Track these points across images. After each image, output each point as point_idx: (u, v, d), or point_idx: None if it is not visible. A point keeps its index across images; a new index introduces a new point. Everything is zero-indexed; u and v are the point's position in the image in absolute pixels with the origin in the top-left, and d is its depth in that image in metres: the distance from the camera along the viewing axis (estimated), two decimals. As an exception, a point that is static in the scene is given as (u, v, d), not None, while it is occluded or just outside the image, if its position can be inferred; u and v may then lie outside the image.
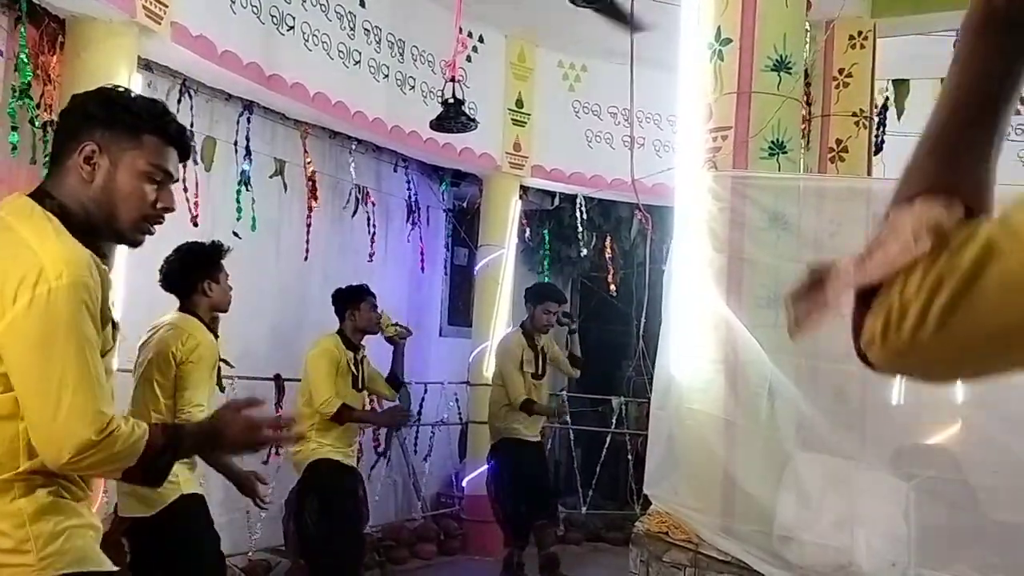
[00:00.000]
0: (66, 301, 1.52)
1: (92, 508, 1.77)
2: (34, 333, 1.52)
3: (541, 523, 5.64)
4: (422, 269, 7.01)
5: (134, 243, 1.77)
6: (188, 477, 3.27)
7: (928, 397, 3.62)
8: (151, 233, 1.79)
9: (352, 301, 4.73)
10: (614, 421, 7.15)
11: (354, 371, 4.65)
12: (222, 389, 3.89)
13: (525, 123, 6.92)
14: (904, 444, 3.68)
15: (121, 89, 1.79)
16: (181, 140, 1.77)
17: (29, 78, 3.92)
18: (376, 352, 5.01)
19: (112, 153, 1.68)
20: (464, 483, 6.75)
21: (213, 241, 3.76)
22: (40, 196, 1.67)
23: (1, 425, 1.55)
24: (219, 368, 3.67)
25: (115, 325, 1.73)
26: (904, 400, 3.61)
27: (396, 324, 4.94)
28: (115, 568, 1.72)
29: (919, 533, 3.25)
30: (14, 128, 3.87)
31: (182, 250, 3.69)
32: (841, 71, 4.49)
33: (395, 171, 6.75)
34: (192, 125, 4.76)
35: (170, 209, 1.77)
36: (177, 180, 1.81)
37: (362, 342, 4.79)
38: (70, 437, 1.50)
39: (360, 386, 4.72)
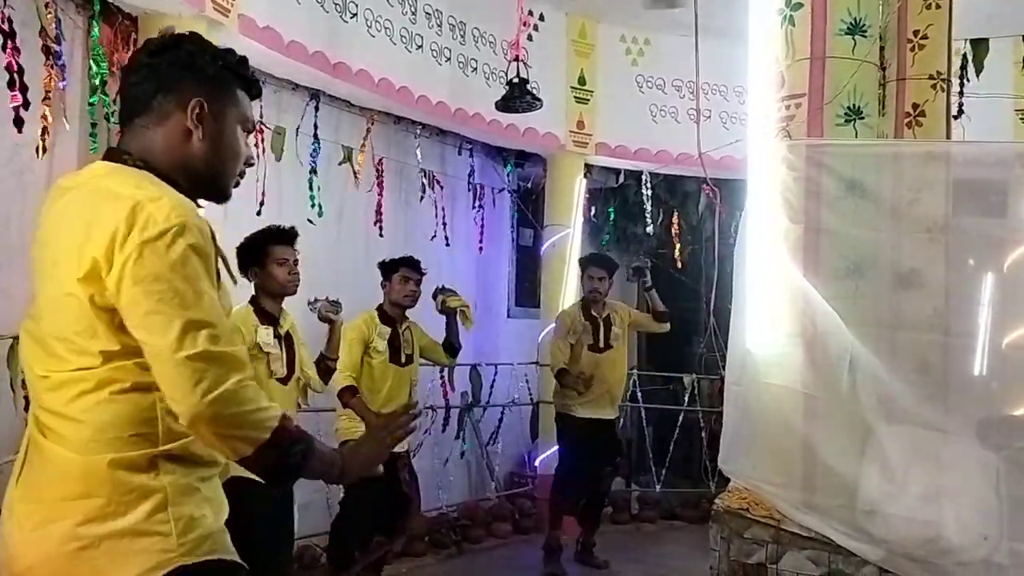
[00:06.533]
0: (178, 243, 1.43)
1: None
2: (149, 275, 1.41)
3: (586, 506, 5.69)
4: (480, 250, 7.02)
5: (228, 198, 1.71)
6: None
7: (1013, 367, 3.51)
8: (237, 185, 1.74)
9: (386, 273, 4.66)
10: (686, 398, 7.10)
11: (390, 347, 4.54)
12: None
13: (588, 100, 6.87)
14: (991, 415, 3.57)
15: (204, 40, 1.67)
16: (259, 91, 1.75)
17: (103, 75, 4.03)
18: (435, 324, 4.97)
19: (217, 110, 1.62)
20: (536, 463, 6.78)
21: (269, 226, 3.80)
22: (118, 156, 1.58)
23: (135, 397, 1.47)
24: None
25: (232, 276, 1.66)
26: (988, 370, 3.50)
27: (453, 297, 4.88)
28: (240, 561, 1.63)
29: (1011, 505, 3.16)
30: (94, 125, 3.98)
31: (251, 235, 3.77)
32: (916, 33, 4.32)
33: (459, 154, 6.78)
34: (261, 116, 4.86)
35: (252, 162, 1.74)
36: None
37: (405, 314, 4.67)
38: (200, 376, 1.41)
39: (403, 361, 4.60)
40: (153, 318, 1.42)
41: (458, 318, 4.90)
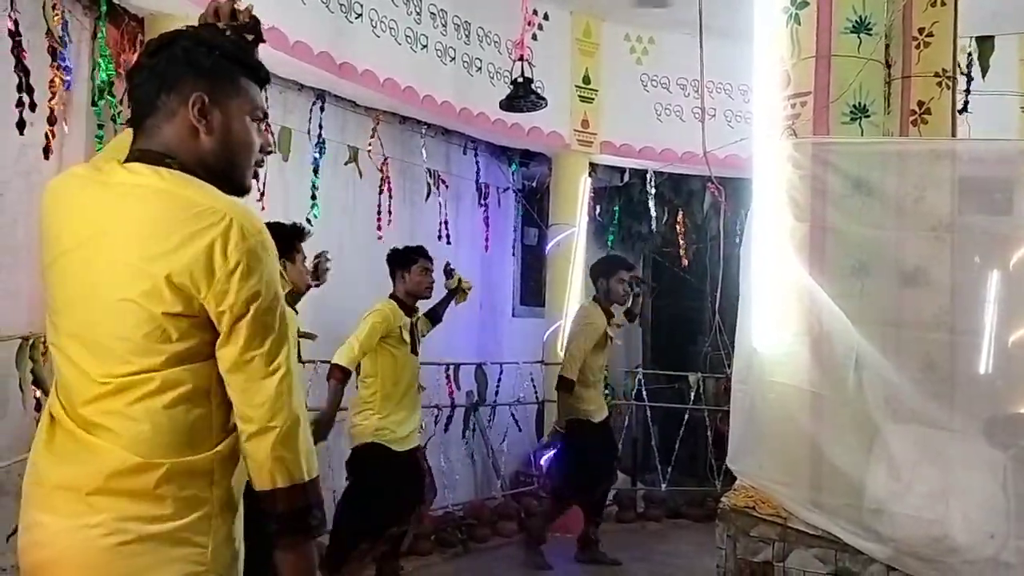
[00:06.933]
0: (269, 255, 1.49)
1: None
2: (251, 288, 1.46)
3: (598, 500, 5.75)
4: (486, 248, 7.04)
5: (248, 190, 1.68)
6: None
7: (1019, 365, 3.51)
8: (257, 178, 1.74)
9: (403, 263, 4.66)
10: (691, 397, 7.10)
11: (410, 337, 4.58)
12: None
13: (593, 99, 6.87)
14: (997, 413, 3.56)
15: (206, 32, 1.64)
16: (267, 76, 1.70)
17: (109, 76, 4.04)
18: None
19: (220, 102, 1.58)
20: (542, 461, 6.78)
21: (294, 222, 3.84)
22: (157, 157, 1.55)
23: (196, 400, 1.49)
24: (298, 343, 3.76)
25: None
26: (994, 369, 3.49)
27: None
28: None
29: (1018, 503, 3.15)
30: (100, 126, 4.00)
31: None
32: (921, 30, 4.32)
33: (464, 154, 6.79)
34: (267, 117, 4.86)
35: (270, 149, 1.71)
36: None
37: (416, 305, 4.71)
38: (284, 404, 1.49)
39: (417, 351, 4.67)
40: (252, 331, 1.47)
41: (456, 297, 5.12)
